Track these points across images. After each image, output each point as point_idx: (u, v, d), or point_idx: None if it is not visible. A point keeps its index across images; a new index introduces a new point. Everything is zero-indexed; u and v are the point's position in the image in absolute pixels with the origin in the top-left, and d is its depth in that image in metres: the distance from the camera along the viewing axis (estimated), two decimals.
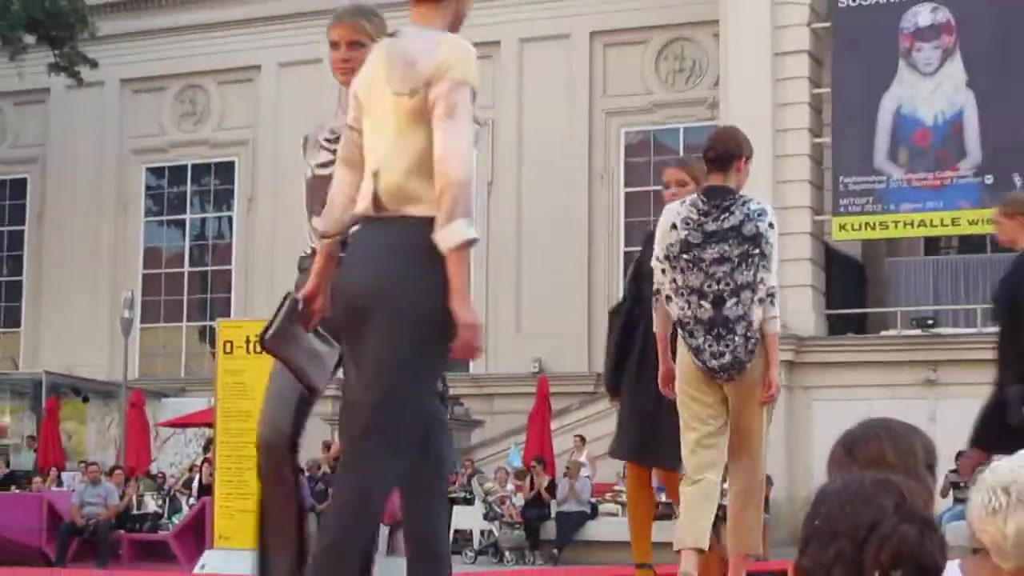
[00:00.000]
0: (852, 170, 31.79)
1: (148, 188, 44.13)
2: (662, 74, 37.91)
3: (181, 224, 44.05)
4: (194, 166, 43.31)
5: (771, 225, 8.52)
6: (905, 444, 3.53)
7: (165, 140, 43.44)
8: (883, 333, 32.39)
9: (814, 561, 2.44)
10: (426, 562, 6.12)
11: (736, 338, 8.37)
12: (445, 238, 5.33)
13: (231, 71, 42.22)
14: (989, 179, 30.98)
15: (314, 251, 5.82)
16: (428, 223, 5.41)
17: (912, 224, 31.94)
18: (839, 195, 32.05)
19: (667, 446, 8.70)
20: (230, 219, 42.93)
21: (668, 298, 8.55)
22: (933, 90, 31.64)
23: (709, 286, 8.41)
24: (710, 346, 8.38)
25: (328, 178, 5.81)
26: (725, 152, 8.80)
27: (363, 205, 5.66)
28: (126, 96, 43.83)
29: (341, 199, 5.85)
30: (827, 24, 32.74)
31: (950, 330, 31.82)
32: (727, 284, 8.40)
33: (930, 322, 31.85)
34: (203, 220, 43.94)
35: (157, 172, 44.06)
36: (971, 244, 34.59)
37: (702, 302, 8.42)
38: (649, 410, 9.07)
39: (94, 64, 39.67)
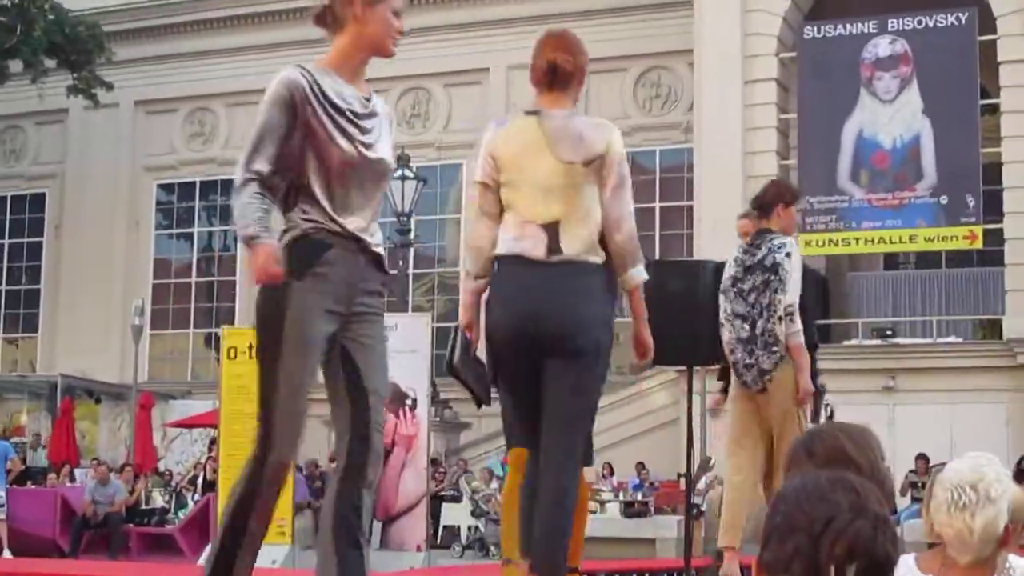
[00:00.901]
0: (817, 190, 31.82)
1: (159, 203, 44.18)
2: (640, 100, 37.97)
3: (189, 237, 44.10)
4: (202, 183, 43.34)
5: (787, 255, 9.71)
6: (862, 442, 3.54)
7: (175, 158, 43.49)
8: (845, 342, 32.40)
9: (774, 556, 2.43)
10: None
11: (759, 351, 9.71)
12: (630, 279, 6.51)
13: (237, 94, 42.14)
14: (944, 199, 31.04)
15: (331, 232, 5.64)
16: (602, 268, 6.46)
17: (873, 241, 31.99)
18: (805, 213, 32.01)
19: None
20: (235, 233, 42.79)
21: (721, 325, 10.01)
22: (892, 116, 31.69)
23: (747, 311, 9.83)
24: (743, 360, 9.82)
25: (373, 160, 5.72)
26: (765, 201, 10.03)
27: (531, 248, 6.45)
28: (139, 117, 43.86)
29: (488, 244, 6.67)
30: (793, 54, 32.80)
31: (907, 340, 31.87)
32: (757, 307, 9.75)
33: (889, 333, 31.89)
34: (210, 233, 43.96)
35: (167, 188, 44.11)
36: (927, 260, 34.70)
37: (743, 324, 9.83)
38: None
39: (110, 87, 39.76)
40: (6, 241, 45.68)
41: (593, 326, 6.44)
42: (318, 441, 27.88)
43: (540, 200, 6.51)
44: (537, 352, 6.45)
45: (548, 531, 6.46)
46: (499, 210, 6.69)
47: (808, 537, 2.41)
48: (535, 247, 6.45)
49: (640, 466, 29.17)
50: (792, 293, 9.62)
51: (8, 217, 45.69)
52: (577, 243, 6.43)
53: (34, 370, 43.06)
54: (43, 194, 45.22)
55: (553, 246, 6.41)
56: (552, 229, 6.44)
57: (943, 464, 4.58)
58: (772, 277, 9.61)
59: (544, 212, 6.48)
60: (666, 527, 23.37)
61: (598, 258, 6.48)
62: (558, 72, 6.93)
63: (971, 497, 4.14)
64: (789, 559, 2.43)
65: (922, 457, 25.33)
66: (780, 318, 9.64)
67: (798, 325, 9.59)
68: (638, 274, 6.53)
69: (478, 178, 6.86)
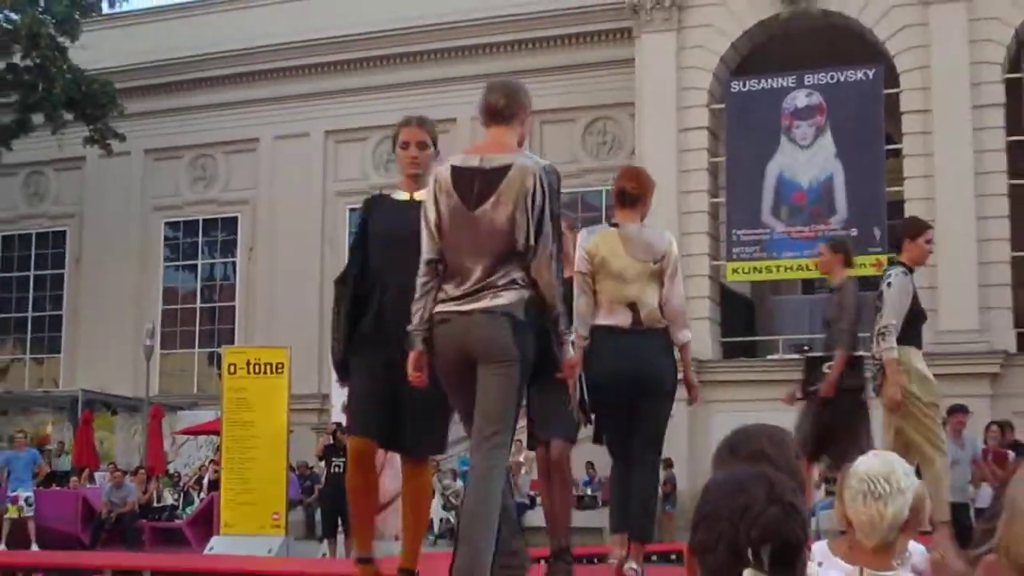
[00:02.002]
0: (743, 224, 31.95)
1: (166, 239, 44.01)
2: (588, 146, 38.04)
3: (193, 268, 43.96)
4: (204, 221, 43.22)
5: (888, 284, 10.22)
6: (778, 440, 3.59)
7: (180, 199, 43.35)
8: (768, 357, 32.50)
9: (702, 540, 2.49)
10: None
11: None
12: (683, 338, 8.18)
13: (235, 143, 42.21)
14: (854, 232, 31.12)
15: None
16: (666, 331, 8.09)
17: (792, 268, 32.11)
18: (732, 244, 32.21)
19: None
20: (234, 264, 42.85)
21: None
22: (808, 159, 31.82)
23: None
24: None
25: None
26: (896, 237, 11.16)
27: (620, 321, 8.04)
28: (148, 163, 43.73)
29: (590, 313, 8.10)
30: (722, 105, 32.91)
31: (821, 354, 31.92)
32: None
33: (806, 348, 31.86)
34: (212, 265, 43.80)
35: (174, 226, 43.94)
36: None
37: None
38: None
39: (122, 137, 39.67)
40: (31, 273, 45.47)
41: (669, 375, 8.14)
42: (308, 445, 27.89)
43: (622, 287, 8.06)
44: (635, 392, 7.97)
45: (646, 511, 8.15)
46: (594, 289, 8.13)
47: (730, 523, 2.46)
48: (623, 320, 8.04)
49: (589, 465, 29.17)
50: (887, 316, 9.91)
51: (33, 252, 45.50)
52: (650, 316, 8.04)
53: (57, 386, 42.84)
54: (64, 231, 45.04)
55: (635, 319, 8.03)
56: (633, 307, 8.03)
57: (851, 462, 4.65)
58: (879, 303, 10.03)
59: (623, 296, 8.05)
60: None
61: (662, 325, 8.08)
62: (627, 196, 8.35)
63: (885, 488, 4.20)
64: (715, 542, 2.47)
65: None
66: (879, 336, 10.01)
67: (889, 343, 9.87)
68: (686, 336, 8.22)
69: (579, 268, 8.16)
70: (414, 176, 7.21)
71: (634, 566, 7.82)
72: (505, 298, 6.09)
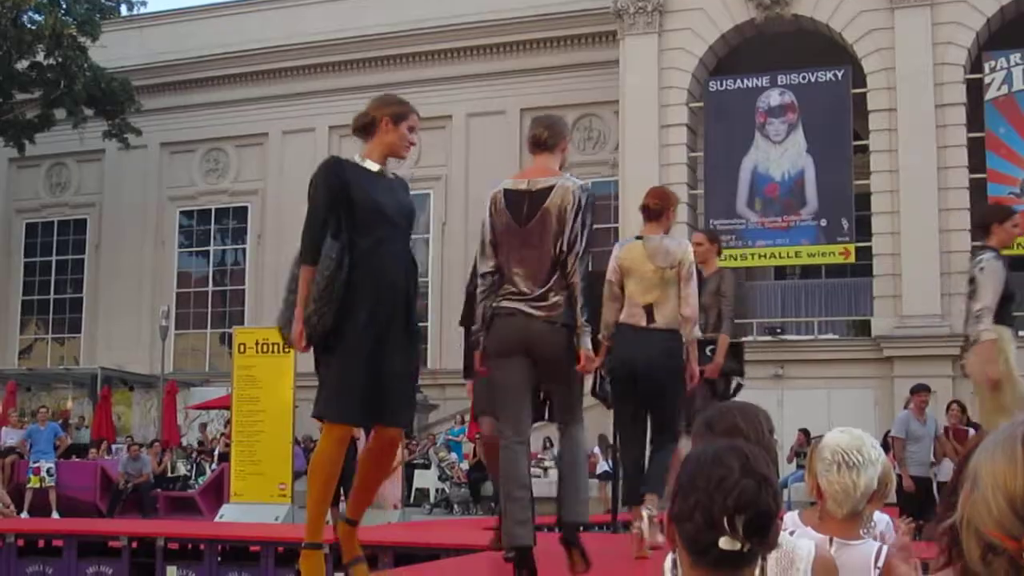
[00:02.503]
0: (719, 214, 31.95)
1: (181, 227, 44.05)
2: (575, 141, 37.99)
3: (206, 254, 43.97)
4: (217, 210, 43.26)
5: (981, 269, 9.24)
6: (751, 417, 3.59)
7: (194, 190, 43.40)
8: (742, 339, 32.44)
9: (680, 509, 2.48)
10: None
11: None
12: (691, 335, 8.42)
13: (245, 137, 42.26)
14: (824, 222, 31.22)
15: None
16: (679, 332, 8.37)
17: (765, 256, 32.14)
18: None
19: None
20: (244, 250, 42.89)
21: None
22: (781, 154, 31.84)
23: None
24: None
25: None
26: (983, 222, 9.80)
27: (636, 319, 8.43)
28: (164, 156, 43.77)
29: (613, 318, 8.49)
30: (700, 103, 32.91)
31: (793, 337, 32.05)
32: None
33: (778, 330, 32.06)
34: (223, 251, 43.81)
35: (188, 214, 43.97)
36: (810, 272, 34.89)
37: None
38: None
39: (139, 132, 39.88)
40: (54, 258, 45.48)
41: (677, 368, 8.36)
42: (312, 420, 27.85)
43: (642, 291, 8.47)
44: (639, 380, 8.35)
45: (659, 476, 8.21)
46: (621, 295, 8.53)
47: (706, 494, 2.46)
48: (639, 319, 8.43)
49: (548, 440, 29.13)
50: (982, 299, 9.29)
51: (55, 238, 45.51)
52: (666, 317, 8.41)
53: (78, 363, 42.90)
54: (85, 219, 45.05)
55: (650, 319, 8.43)
56: (648, 309, 8.44)
57: (821, 436, 4.65)
58: (971, 287, 9.47)
59: (642, 299, 8.46)
60: (592, 488, 23.39)
61: (676, 325, 8.39)
62: (651, 211, 8.81)
63: (857, 459, 4.21)
64: (691, 511, 2.47)
65: (803, 431, 25.47)
66: (974, 318, 9.36)
67: (985, 324, 9.25)
68: (694, 332, 8.48)
69: (608, 277, 8.61)
70: (399, 157, 6.97)
71: (650, 508, 8.04)
72: (560, 308, 6.94)
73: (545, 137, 7.35)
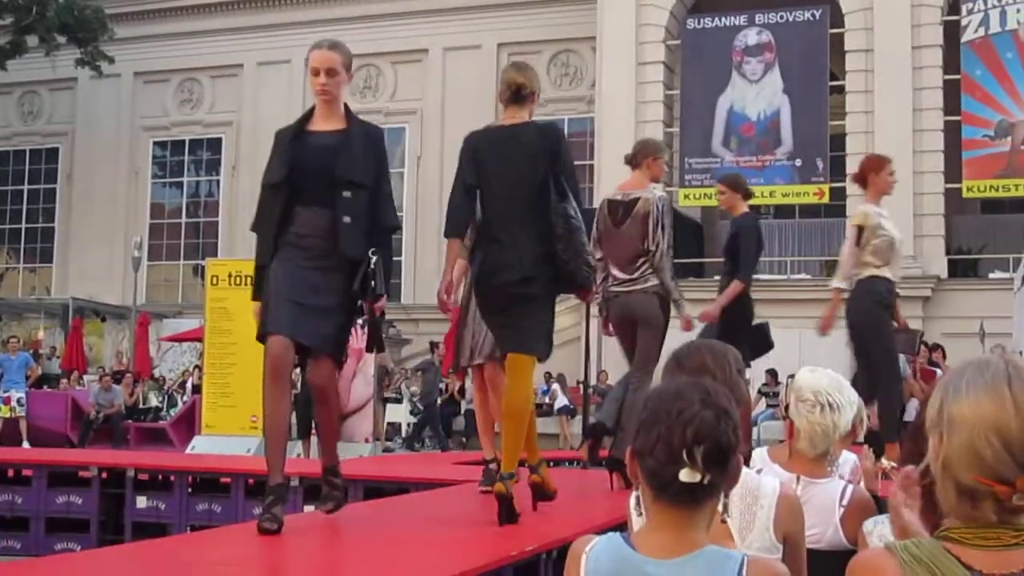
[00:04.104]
0: (695, 153, 31.98)
1: (154, 157, 43.86)
2: (552, 77, 37.88)
3: (180, 185, 43.85)
4: (190, 141, 43.10)
5: None
6: (720, 356, 3.60)
7: (168, 120, 43.19)
8: (715, 277, 32.48)
9: (642, 443, 2.49)
10: None
11: None
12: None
13: (220, 68, 42.04)
14: (798, 162, 31.28)
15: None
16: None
17: None
18: (685, 172, 32.23)
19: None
20: (218, 182, 42.76)
21: None
22: (757, 94, 31.83)
23: None
24: None
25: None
26: None
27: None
28: (138, 85, 43.51)
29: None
30: (678, 42, 32.84)
31: (766, 276, 32.09)
32: None
33: None
34: (197, 183, 43.67)
35: (162, 145, 43.77)
36: (783, 211, 34.97)
37: None
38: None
39: (111, 60, 39.70)
40: (25, 187, 45.22)
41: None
42: None
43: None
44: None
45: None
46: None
47: (667, 427, 2.47)
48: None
49: (548, 375, 29.23)
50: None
51: (27, 167, 45.24)
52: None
53: (49, 293, 42.79)
54: (56, 148, 44.81)
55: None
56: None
57: (792, 376, 4.68)
58: None
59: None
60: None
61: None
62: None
63: (839, 400, 4.26)
64: (653, 445, 2.48)
65: (770, 372, 25.64)
66: None
67: None
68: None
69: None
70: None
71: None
72: (650, 281, 8.88)
73: (631, 155, 9.31)
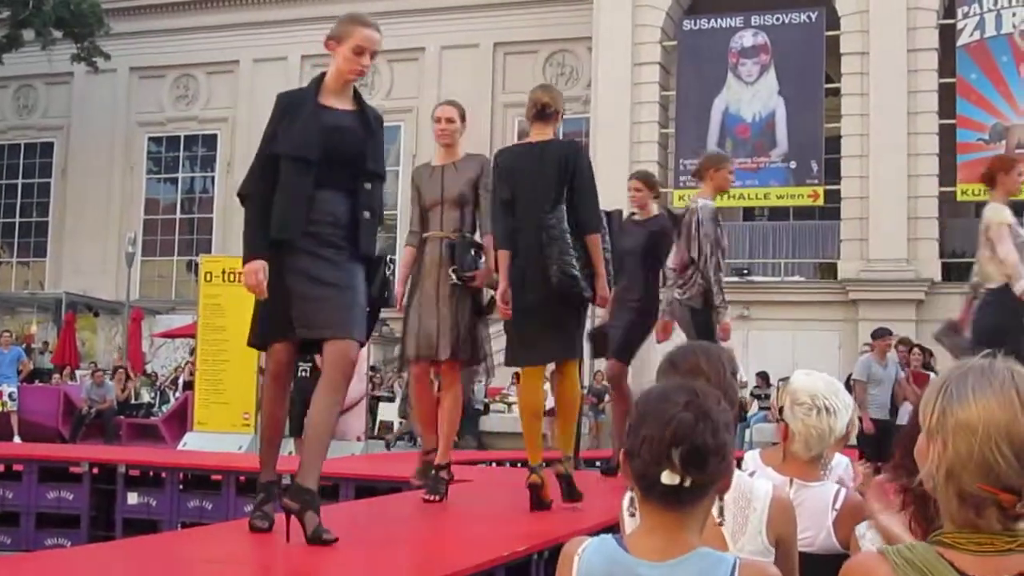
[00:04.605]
0: (689, 154, 31.89)
1: (149, 153, 43.84)
2: (548, 76, 37.83)
3: (175, 181, 43.81)
4: (186, 136, 43.09)
5: None
6: (714, 358, 3.60)
7: (163, 116, 43.17)
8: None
9: (631, 444, 2.50)
10: None
11: None
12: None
13: (216, 64, 42.02)
14: (793, 164, 31.30)
15: None
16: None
17: (734, 197, 32.07)
18: (679, 173, 32.21)
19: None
20: (213, 178, 42.74)
21: None
22: (753, 95, 31.85)
23: None
24: None
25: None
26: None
27: None
28: (133, 81, 43.49)
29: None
30: (674, 43, 32.86)
31: (760, 278, 32.16)
32: None
33: (745, 271, 32.12)
34: (192, 179, 43.69)
35: (157, 140, 43.73)
36: (778, 213, 34.93)
37: None
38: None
39: (108, 56, 39.69)
40: (20, 181, 45.20)
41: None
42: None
43: None
44: None
45: None
46: None
47: (650, 429, 2.48)
48: None
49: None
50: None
51: (22, 161, 45.23)
52: None
53: (43, 288, 42.77)
54: (51, 143, 44.80)
55: None
56: None
57: (785, 378, 4.68)
58: None
59: None
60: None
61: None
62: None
63: (835, 404, 4.26)
64: (640, 445, 2.48)
65: (760, 375, 25.66)
66: None
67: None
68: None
69: None
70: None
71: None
72: (694, 288, 9.26)
73: (698, 167, 9.90)
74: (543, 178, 7.24)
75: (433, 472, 7.88)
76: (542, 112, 7.55)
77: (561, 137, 7.74)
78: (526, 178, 7.32)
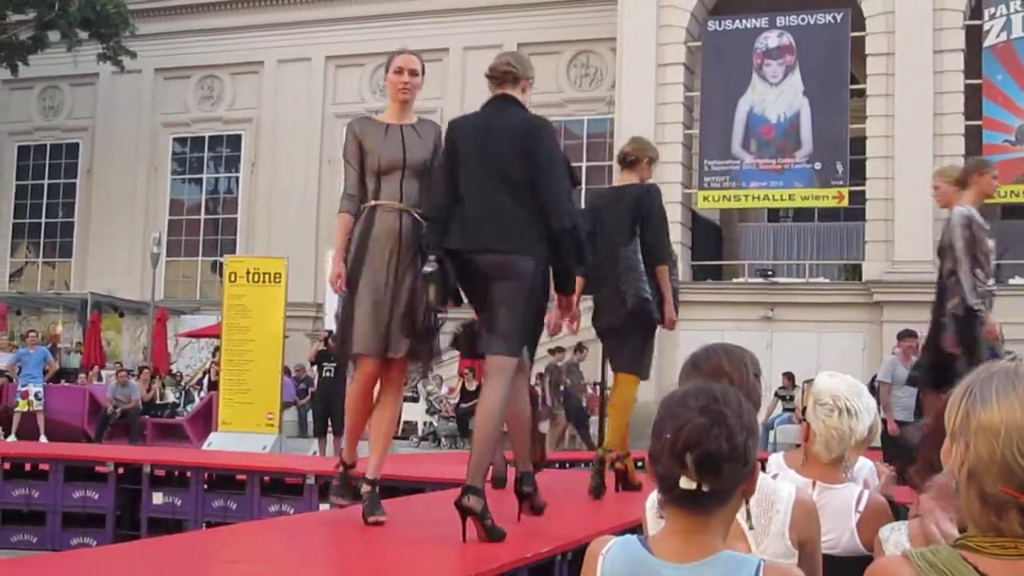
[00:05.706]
0: (714, 155, 31.91)
1: (174, 153, 43.91)
2: (572, 78, 37.92)
3: (199, 181, 43.88)
4: (210, 137, 43.14)
5: None
6: (737, 359, 3.60)
7: (188, 116, 43.25)
8: (734, 280, 32.57)
9: (652, 447, 2.50)
10: None
11: None
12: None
13: (241, 64, 42.07)
14: (818, 165, 31.18)
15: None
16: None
17: (759, 198, 32.11)
18: (704, 174, 32.16)
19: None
20: (237, 179, 42.80)
21: None
22: (777, 96, 31.75)
23: None
24: None
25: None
26: None
27: None
28: (158, 81, 43.58)
29: None
30: (698, 43, 32.77)
31: (785, 280, 32.09)
32: None
33: (769, 273, 32.07)
34: (216, 179, 43.75)
35: (181, 141, 43.81)
36: (803, 214, 34.89)
37: None
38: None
39: (133, 56, 39.75)
40: (46, 182, 45.36)
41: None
42: (302, 350, 27.94)
43: None
44: None
45: None
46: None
47: (668, 432, 2.48)
48: None
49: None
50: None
51: (48, 162, 45.38)
52: None
53: (68, 288, 42.90)
54: (77, 144, 44.92)
55: None
56: None
57: (810, 380, 4.68)
58: None
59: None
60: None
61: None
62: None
63: (856, 406, 4.26)
64: (660, 451, 2.49)
65: (786, 375, 25.54)
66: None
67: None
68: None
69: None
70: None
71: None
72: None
73: (962, 173, 9.62)
74: (619, 216, 8.54)
75: (368, 490, 6.75)
76: (623, 160, 9.02)
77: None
78: (607, 215, 8.62)
